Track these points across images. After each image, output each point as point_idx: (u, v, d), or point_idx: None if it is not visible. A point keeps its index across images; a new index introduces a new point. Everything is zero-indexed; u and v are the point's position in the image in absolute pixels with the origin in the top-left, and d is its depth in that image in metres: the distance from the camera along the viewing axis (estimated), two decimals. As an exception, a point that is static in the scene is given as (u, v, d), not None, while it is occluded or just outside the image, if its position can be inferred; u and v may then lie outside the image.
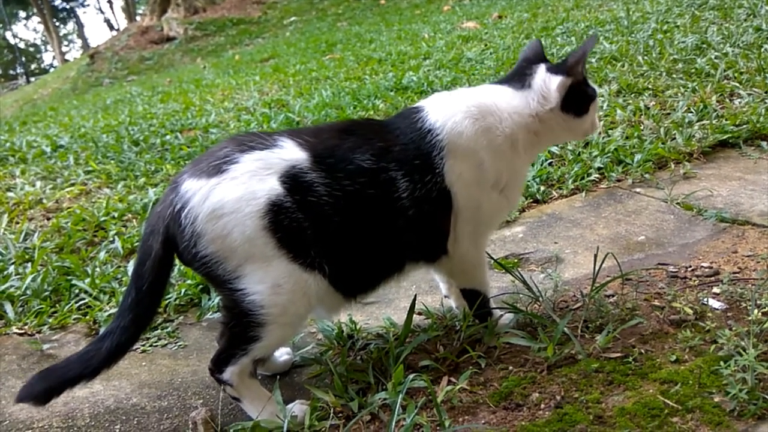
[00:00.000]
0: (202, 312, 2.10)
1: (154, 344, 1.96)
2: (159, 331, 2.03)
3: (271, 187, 1.41)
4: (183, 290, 2.16)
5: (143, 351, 1.94)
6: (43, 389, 1.38)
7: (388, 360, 1.64)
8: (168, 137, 4.20)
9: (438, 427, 1.39)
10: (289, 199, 1.41)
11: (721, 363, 1.42)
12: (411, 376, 1.45)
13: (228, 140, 1.54)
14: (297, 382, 1.71)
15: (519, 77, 1.73)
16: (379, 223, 1.54)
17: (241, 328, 1.45)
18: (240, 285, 1.41)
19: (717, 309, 1.73)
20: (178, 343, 1.96)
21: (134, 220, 2.86)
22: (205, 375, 1.77)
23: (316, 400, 1.50)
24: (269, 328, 1.44)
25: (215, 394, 1.67)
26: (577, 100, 1.70)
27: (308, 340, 1.89)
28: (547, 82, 1.68)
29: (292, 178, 1.44)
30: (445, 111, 1.64)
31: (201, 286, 2.18)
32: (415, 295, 1.79)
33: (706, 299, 1.76)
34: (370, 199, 1.52)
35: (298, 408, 1.51)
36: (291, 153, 1.47)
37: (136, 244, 2.57)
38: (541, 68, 1.71)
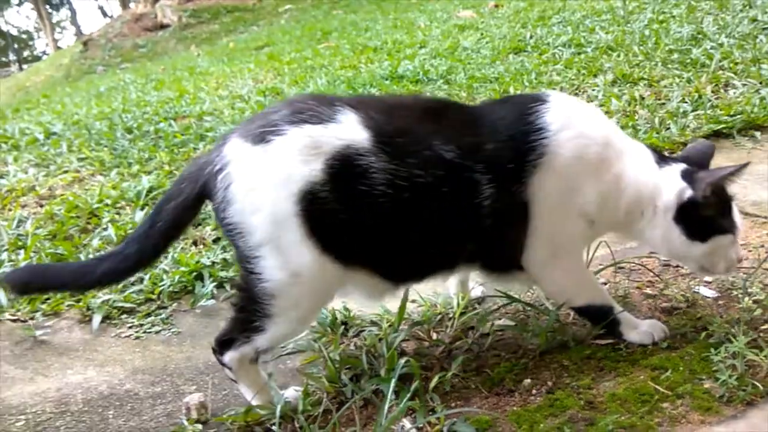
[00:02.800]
0: (196, 299, 2.10)
1: (148, 331, 1.96)
2: (152, 317, 2.02)
3: (312, 171, 1.29)
4: (177, 277, 2.16)
5: (137, 337, 1.94)
6: (24, 282, 1.39)
7: (381, 347, 1.65)
8: (162, 125, 4.18)
9: (430, 413, 1.39)
10: (329, 188, 1.30)
11: (712, 350, 1.44)
12: (402, 362, 1.45)
13: (286, 103, 1.43)
14: (291, 369, 1.71)
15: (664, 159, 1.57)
16: (443, 223, 1.41)
17: (248, 314, 1.40)
18: (258, 267, 1.33)
19: (708, 297, 1.74)
20: (172, 330, 1.96)
21: (127, 208, 2.84)
22: (198, 361, 1.78)
23: (308, 386, 1.51)
24: (276, 321, 1.38)
25: (209, 380, 1.68)
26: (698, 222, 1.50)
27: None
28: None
29: (342, 162, 1.30)
30: (571, 116, 1.47)
31: (195, 273, 2.18)
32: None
33: (697, 287, 1.78)
34: (442, 196, 1.37)
35: (292, 394, 1.51)
36: (349, 131, 1.33)
37: (130, 231, 2.56)
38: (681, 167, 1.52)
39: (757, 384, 1.34)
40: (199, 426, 1.48)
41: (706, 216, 1.49)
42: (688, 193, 1.48)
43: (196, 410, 1.52)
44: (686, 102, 3.28)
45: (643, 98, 3.48)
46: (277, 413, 1.36)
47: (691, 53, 4.04)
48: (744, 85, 3.43)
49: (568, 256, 1.54)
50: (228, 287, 2.14)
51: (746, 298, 1.67)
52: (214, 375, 1.70)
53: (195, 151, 3.55)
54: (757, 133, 2.93)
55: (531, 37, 5.26)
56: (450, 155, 1.37)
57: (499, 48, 5.12)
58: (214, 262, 2.24)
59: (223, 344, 1.47)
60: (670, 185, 1.50)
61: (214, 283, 2.14)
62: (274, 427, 1.35)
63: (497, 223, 1.43)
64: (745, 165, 1.44)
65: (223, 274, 2.18)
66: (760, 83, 3.41)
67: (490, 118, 1.48)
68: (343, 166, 1.31)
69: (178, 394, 1.63)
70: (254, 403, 1.49)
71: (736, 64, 3.73)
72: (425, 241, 1.44)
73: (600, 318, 1.58)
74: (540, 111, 1.46)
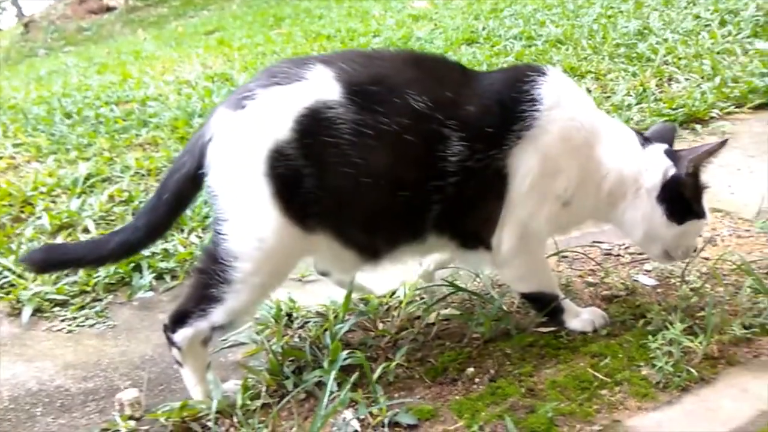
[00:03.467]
0: (134, 291, 2.02)
1: (81, 324, 1.88)
2: (87, 310, 1.93)
3: (280, 131, 1.32)
4: (113, 268, 2.07)
5: (69, 331, 1.85)
6: (43, 259, 1.47)
7: (326, 338, 1.62)
8: (103, 110, 4.02)
9: (373, 404, 1.37)
10: (296, 146, 1.32)
11: (650, 337, 1.46)
12: (344, 354, 1.43)
13: (264, 71, 1.47)
14: (233, 363, 1.66)
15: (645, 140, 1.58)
16: (406, 178, 1.39)
17: (208, 276, 1.38)
18: (225, 228, 1.36)
19: (647, 285, 1.78)
20: (107, 323, 1.88)
21: (63, 196, 2.72)
22: (134, 356, 1.71)
23: (248, 379, 1.47)
24: (236, 288, 1.37)
25: (144, 375, 1.61)
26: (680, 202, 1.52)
27: (245, 318, 1.84)
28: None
29: (310, 118, 1.32)
30: (565, 95, 1.47)
31: (132, 264, 2.10)
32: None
33: (637, 276, 1.81)
34: (405, 146, 1.35)
35: (231, 387, 1.47)
36: (318, 86, 1.34)
37: (66, 220, 2.45)
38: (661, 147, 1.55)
39: (692, 370, 1.37)
40: (132, 423, 1.42)
41: (686, 197, 1.52)
42: (672, 170, 1.50)
43: (129, 406, 1.46)
44: (631, 95, 3.34)
45: (590, 91, 3.53)
46: (213, 408, 1.32)
47: (637, 48, 4.12)
48: (686, 79, 3.52)
49: (536, 241, 1.53)
50: (168, 279, 2.07)
51: (684, 286, 1.71)
52: (150, 370, 1.64)
53: (137, 137, 3.43)
54: (698, 126, 3.01)
55: (483, 28, 5.28)
56: (420, 105, 1.35)
57: (452, 39, 5.12)
58: (153, 253, 2.16)
59: (177, 319, 1.42)
60: (655, 165, 1.52)
61: (153, 275, 2.06)
62: (210, 423, 1.31)
63: (467, 185, 1.40)
64: (724, 142, 1.47)
65: (163, 265, 2.11)
66: (702, 78, 3.50)
67: (482, 81, 1.47)
68: (310, 122, 1.33)
69: (111, 390, 1.56)
70: (193, 392, 1.44)
71: (680, 59, 3.82)
72: (388, 199, 1.40)
73: (545, 305, 1.59)
74: (537, 82, 1.44)
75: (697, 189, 1.54)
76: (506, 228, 1.48)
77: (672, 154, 1.53)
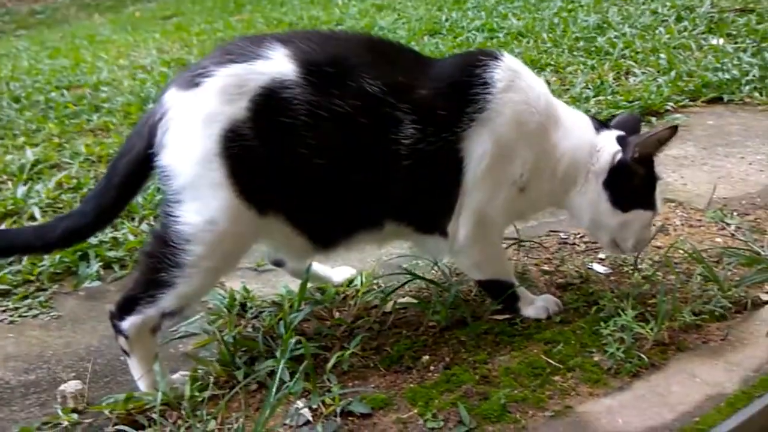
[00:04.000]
0: (80, 280, 1.94)
1: (24, 314, 1.79)
2: (30, 300, 1.85)
3: (236, 109, 1.29)
4: (59, 257, 1.99)
5: (11, 322, 1.77)
6: None
7: (280, 328, 1.58)
8: (53, 94, 3.86)
9: (326, 393, 1.35)
10: (251, 125, 1.30)
11: (602, 323, 1.48)
12: (293, 341, 1.40)
13: (218, 48, 1.44)
14: (184, 354, 1.61)
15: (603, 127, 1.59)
16: (359, 162, 1.38)
17: (157, 260, 1.33)
18: (177, 210, 1.32)
19: (601, 273, 1.80)
20: (51, 314, 1.80)
21: (9, 182, 2.60)
22: (79, 347, 1.65)
23: (197, 371, 1.42)
24: (187, 272, 1.33)
25: (89, 367, 1.55)
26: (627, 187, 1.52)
27: (197, 309, 1.79)
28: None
29: (266, 97, 1.31)
30: (518, 80, 1.45)
31: (79, 253, 2.02)
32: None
33: (591, 264, 1.83)
34: (358, 129, 1.35)
35: (179, 379, 1.42)
36: (274, 65, 1.32)
37: (11, 207, 2.34)
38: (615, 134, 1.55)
39: (643, 356, 1.38)
40: (75, 416, 1.36)
41: (632, 184, 1.51)
42: (619, 155, 1.50)
43: (72, 399, 1.41)
44: (589, 88, 3.38)
45: (549, 83, 3.55)
46: (158, 400, 1.27)
47: (596, 41, 4.18)
48: (643, 73, 3.58)
49: (493, 228, 1.53)
50: (117, 268, 1.99)
51: (636, 274, 1.73)
52: (96, 361, 1.58)
53: (88, 122, 3.31)
54: (653, 119, 3.06)
55: (446, 20, 5.27)
56: (373, 89, 1.35)
57: (415, 29, 5.10)
58: (102, 241, 2.08)
59: (124, 306, 1.37)
60: (606, 149, 1.52)
61: (101, 263, 1.99)
62: (155, 415, 1.26)
63: (421, 169, 1.39)
64: (674, 128, 1.47)
65: (111, 254, 2.03)
66: (658, 72, 3.57)
67: (435, 66, 1.47)
68: (266, 102, 1.31)
69: (54, 383, 1.50)
70: (140, 383, 1.39)
71: (637, 53, 3.88)
72: (342, 183, 1.39)
73: (501, 293, 1.59)
74: (490, 66, 1.43)
75: (647, 178, 1.54)
76: (463, 215, 1.47)
77: (623, 140, 1.53)
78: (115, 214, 1.48)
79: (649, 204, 1.54)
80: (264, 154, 1.32)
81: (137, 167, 1.38)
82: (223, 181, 1.30)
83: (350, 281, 1.84)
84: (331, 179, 1.38)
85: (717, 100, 3.26)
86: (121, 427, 1.30)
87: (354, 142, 1.37)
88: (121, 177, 1.39)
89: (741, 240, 1.91)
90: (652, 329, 1.43)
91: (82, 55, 5.36)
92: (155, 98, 3.48)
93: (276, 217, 1.39)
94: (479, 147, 1.42)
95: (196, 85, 1.32)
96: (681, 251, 1.82)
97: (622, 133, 1.56)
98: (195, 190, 1.32)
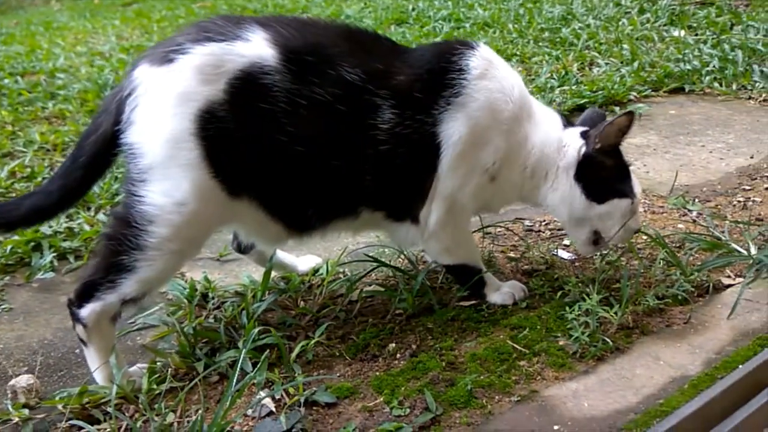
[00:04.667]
0: (33, 272, 1.86)
1: (-27, 308, 1.71)
2: (-21, 293, 1.77)
3: (213, 90, 1.26)
4: (10, 247, 1.90)
5: (-41, 316, 1.69)
6: None
7: (243, 318, 1.54)
8: (7, 81, 3.72)
9: (290, 383, 1.32)
10: (229, 107, 1.27)
11: (567, 308, 1.48)
12: (256, 331, 1.36)
13: (194, 24, 1.39)
14: (142, 346, 1.56)
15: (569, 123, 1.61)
16: (338, 148, 1.38)
17: (118, 243, 1.28)
18: (142, 190, 1.28)
19: (565, 259, 1.80)
20: (2, 306, 1.72)
21: (-43, 172, 2.49)
22: (31, 340, 1.58)
23: (155, 363, 1.38)
24: (150, 255, 1.29)
25: (43, 360, 1.49)
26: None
27: (156, 300, 1.73)
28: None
29: (245, 80, 1.28)
30: (493, 69, 1.47)
31: (32, 244, 1.94)
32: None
33: (556, 250, 1.83)
34: (337, 116, 1.35)
35: (136, 371, 1.37)
36: (254, 49, 1.30)
37: (-41, 198, 2.24)
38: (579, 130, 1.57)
39: (608, 340, 1.39)
40: (26, 411, 1.30)
41: (602, 175, 1.52)
42: (584, 149, 1.51)
43: (23, 394, 1.34)
44: (554, 78, 3.40)
45: (515, 73, 3.56)
46: (113, 393, 1.22)
47: (561, 32, 4.21)
48: (607, 63, 3.62)
49: (462, 213, 1.53)
50: (72, 259, 1.92)
51: (600, 260, 1.74)
52: (49, 355, 1.52)
53: (43, 110, 3.19)
54: (617, 108, 3.09)
55: (413, 9, 5.25)
56: (352, 77, 1.35)
57: (382, 18, 5.07)
58: (56, 232, 2.00)
59: (83, 293, 1.32)
60: (571, 145, 1.53)
61: (55, 254, 1.91)
62: (110, 409, 1.21)
63: (398, 154, 1.40)
64: (631, 114, 1.46)
65: (66, 244, 1.95)
66: (621, 62, 3.61)
67: (413, 54, 1.48)
68: (245, 85, 1.29)
69: (4, 378, 1.43)
70: (97, 375, 1.34)
71: (601, 44, 3.93)
72: (320, 169, 1.38)
73: (468, 278, 1.59)
74: (466, 54, 1.45)
75: (616, 168, 1.54)
76: (435, 201, 1.48)
77: (586, 134, 1.55)
78: (80, 194, 1.42)
79: (624, 192, 1.53)
80: (241, 138, 1.30)
81: (104, 146, 1.33)
82: (197, 162, 1.27)
83: (315, 270, 1.81)
84: (309, 166, 1.37)
85: (678, 91, 3.32)
86: (75, 421, 1.24)
87: (333, 129, 1.36)
88: (88, 156, 1.34)
89: (702, 226, 1.94)
90: (616, 313, 1.43)
91: (38, 41, 5.18)
92: (114, 85, 3.39)
93: (250, 201, 1.37)
94: (454, 131, 1.42)
95: (170, 61, 1.28)
96: (644, 237, 1.83)
97: (586, 128, 1.58)
98: (165, 170, 1.28)
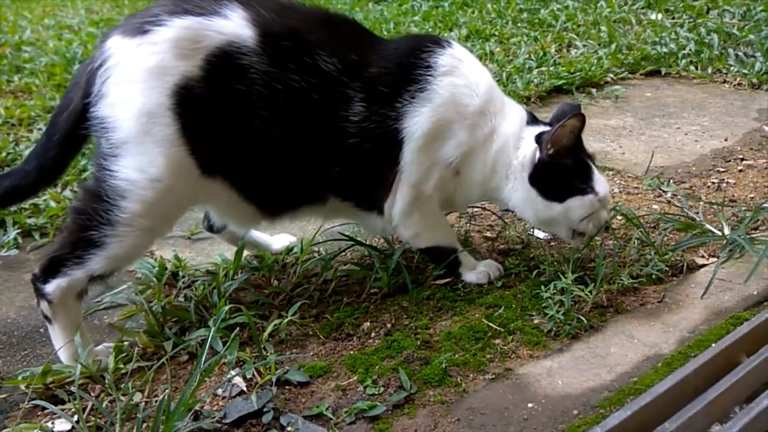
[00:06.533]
0: (-5, 249, 1.80)
1: (-69, 287, 1.65)
2: (-61, 271, 1.71)
3: (190, 65, 1.24)
4: (-29, 224, 1.84)
5: None
6: None
7: (214, 297, 1.51)
8: (-30, 54, 3.59)
9: (262, 362, 1.29)
10: (205, 85, 1.25)
11: (542, 287, 1.47)
12: (226, 308, 1.33)
13: None
14: (109, 325, 1.51)
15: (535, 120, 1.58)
16: (309, 137, 1.38)
17: (88, 217, 1.25)
18: (114, 164, 1.25)
19: (541, 239, 1.80)
20: (-37, 285, 1.66)
21: None
22: (-7, 320, 1.53)
23: (122, 342, 1.34)
24: (120, 231, 1.26)
25: (5, 340, 1.44)
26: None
27: (125, 279, 1.69)
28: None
29: (221, 59, 1.26)
30: (461, 66, 1.47)
31: (-6, 220, 1.87)
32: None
33: (532, 230, 1.82)
34: (311, 105, 1.34)
35: (102, 351, 1.33)
36: (233, 27, 1.27)
37: None
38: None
39: (582, 318, 1.39)
40: (-13, 392, 1.26)
41: (558, 178, 1.48)
42: (537, 154, 1.48)
43: (-17, 374, 1.30)
44: (532, 59, 3.39)
45: (493, 53, 3.54)
46: (77, 372, 1.18)
47: (539, 14, 4.20)
48: (584, 45, 3.62)
49: (428, 201, 1.52)
50: (37, 236, 1.86)
51: (576, 239, 1.73)
52: (12, 334, 1.47)
53: (8, 84, 3.08)
54: (594, 90, 3.10)
55: (392, -13, 5.18)
56: (329, 68, 1.34)
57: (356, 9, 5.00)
58: (21, 208, 1.94)
59: (49, 268, 1.27)
60: (526, 145, 1.51)
61: (19, 231, 1.85)
62: (74, 389, 1.17)
63: (365, 147, 1.40)
64: (582, 116, 1.43)
65: (31, 221, 1.89)
66: (599, 44, 3.61)
67: (387, 46, 1.48)
68: (222, 63, 1.26)
69: (-36, 358, 1.38)
70: (62, 354, 1.30)
71: (579, 26, 3.92)
72: (291, 155, 1.38)
73: (443, 258, 1.57)
74: (435, 52, 1.46)
75: (574, 167, 1.49)
76: (399, 192, 1.49)
77: (539, 137, 1.49)
78: (58, 172, 1.39)
79: (584, 189, 1.49)
80: (217, 118, 1.28)
81: (78, 122, 1.29)
82: (174, 138, 1.25)
83: (290, 249, 1.78)
84: (280, 151, 1.36)
85: (655, 73, 3.33)
86: (39, 402, 1.20)
87: (306, 117, 1.35)
88: (62, 133, 1.30)
89: (677, 206, 1.95)
90: (591, 292, 1.43)
91: (4, 13, 5.00)
92: (82, 59, 3.29)
93: (223, 181, 1.36)
94: (418, 126, 1.42)
95: (145, 32, 1.25)
96: (619, 217, 1.84)
97: (542, 128, 1.53)
98: (139, 145, 1.24)
